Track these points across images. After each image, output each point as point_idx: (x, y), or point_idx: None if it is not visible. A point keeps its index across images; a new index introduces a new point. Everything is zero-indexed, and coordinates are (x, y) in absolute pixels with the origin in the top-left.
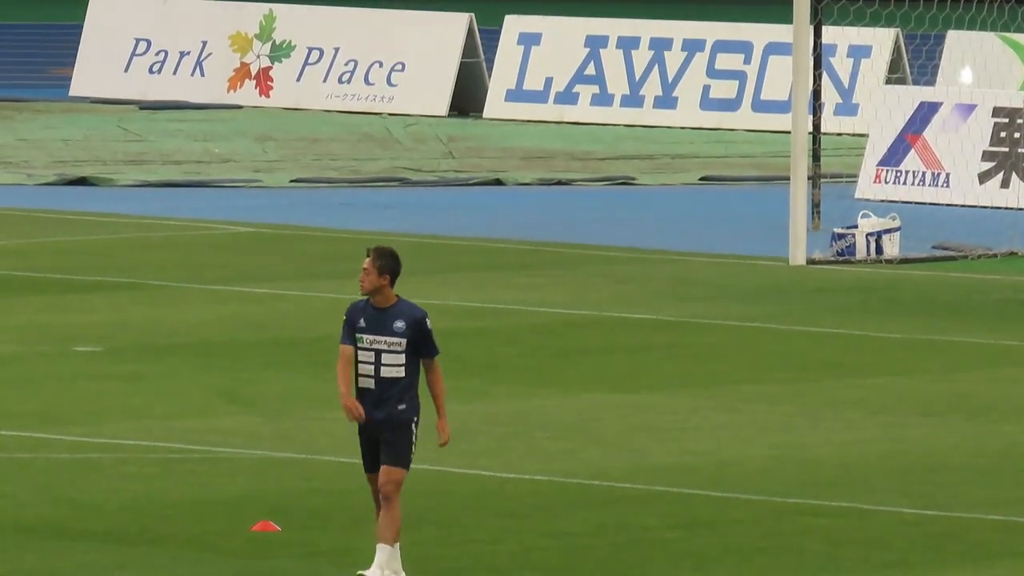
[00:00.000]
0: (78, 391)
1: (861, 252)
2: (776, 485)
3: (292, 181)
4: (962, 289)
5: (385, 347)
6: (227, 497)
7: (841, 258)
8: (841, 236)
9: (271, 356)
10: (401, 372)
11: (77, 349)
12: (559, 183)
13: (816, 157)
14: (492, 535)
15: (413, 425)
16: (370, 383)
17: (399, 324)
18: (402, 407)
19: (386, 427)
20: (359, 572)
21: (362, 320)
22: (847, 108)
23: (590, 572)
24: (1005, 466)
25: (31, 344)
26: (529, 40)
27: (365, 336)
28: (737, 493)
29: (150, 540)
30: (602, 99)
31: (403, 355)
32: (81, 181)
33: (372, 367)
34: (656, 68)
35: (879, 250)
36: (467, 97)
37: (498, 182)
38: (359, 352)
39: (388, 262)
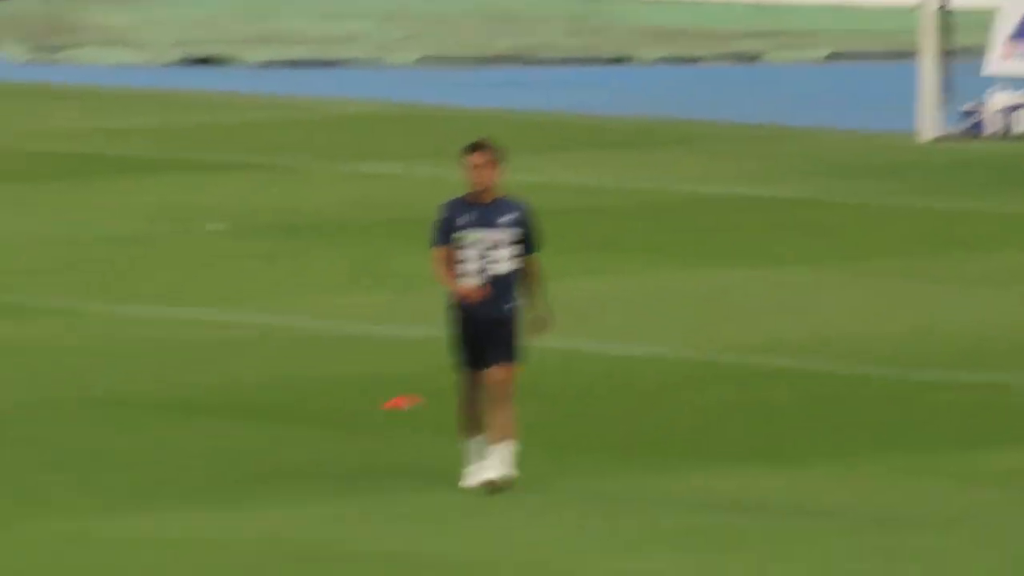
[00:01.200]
0: (210, 270)
1: (989, 128)
2: (911, 360)
3: (418, 60)
4: None
5: (493, 242)
6: (360, 375)
7: (969, 134)
8: (970, 112)
9: (402, 234)
10: (507, 267)
11: (208, 227)
12: (685, 60)
13: (945, 32)
14: (624, 413)
15: (518, 320)
16: (475, 280)
17: (506, 217)
18: (508, 304)
19: (498, 324)
20: (488, 478)
21: (464, 217)
22: None
23: (723, 449)
24: None
25: (162, 223)
26: None
27: (469, 232)
28: (872, 368)
29: (285, 418)
30: None
31: (509, 249)
32: (207, 60)
33: (478, 264)
34: None
35: (1008, 126)
36: None
37: (624, 60)
38: (462, 250)
39: (498, 154)
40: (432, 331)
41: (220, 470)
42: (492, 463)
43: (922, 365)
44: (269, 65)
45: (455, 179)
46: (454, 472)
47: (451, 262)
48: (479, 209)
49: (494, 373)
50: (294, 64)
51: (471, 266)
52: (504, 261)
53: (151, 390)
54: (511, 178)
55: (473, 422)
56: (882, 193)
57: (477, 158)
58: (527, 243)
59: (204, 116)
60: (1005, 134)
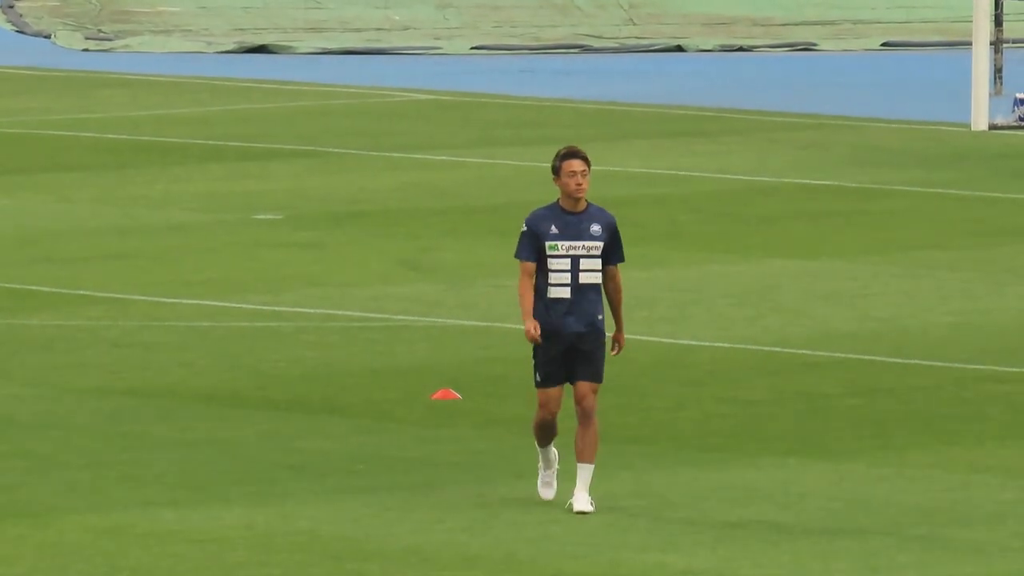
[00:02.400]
0: (258, 259)
1: None
2: (958, 351)
3: (472, 48)
4: None
5: (584, 252)
6: (407, 365)
7: (1023, 123)
8: (1023, 101)
9: (451, 224)
10: (597, 278)
11: (257, 217)
12: (740, 49)
13: (999, 21)
14: (672, 402)
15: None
16: (565, 292)
17: (596, 228)
18: (600, 316)
19: (587, 339)
20: (579, 510)
21: (554, 227)
22: None
23: (770, 439)
24: None
25: (212, 212)
26: None
27: (561, 243)
28: (918, 360)
29: (330, 409)
30: None
31: (599, 259)
32: (261, 49)
33: (569, 275)
34: None
35: None
36: None
37: (679, 48)
38: (551, 260)
39: (589, 162)
40: (480, 322)
41: (263, 463)
42: (582, 497)
43: (971, 357)
44: (323, 53)
45: (508, 169)
46: (495, 466)
47: (542, 273)
48: (571, 218)
49: (583, 389)
50: (347, 52)
51: (561, 277)
52: (594, 272)
53: (196, 381)
54: None
55: (549, 435)
56: (935, 183)
57: (577, 165)
58: (615, 254)
59: (257, 104)
60: None
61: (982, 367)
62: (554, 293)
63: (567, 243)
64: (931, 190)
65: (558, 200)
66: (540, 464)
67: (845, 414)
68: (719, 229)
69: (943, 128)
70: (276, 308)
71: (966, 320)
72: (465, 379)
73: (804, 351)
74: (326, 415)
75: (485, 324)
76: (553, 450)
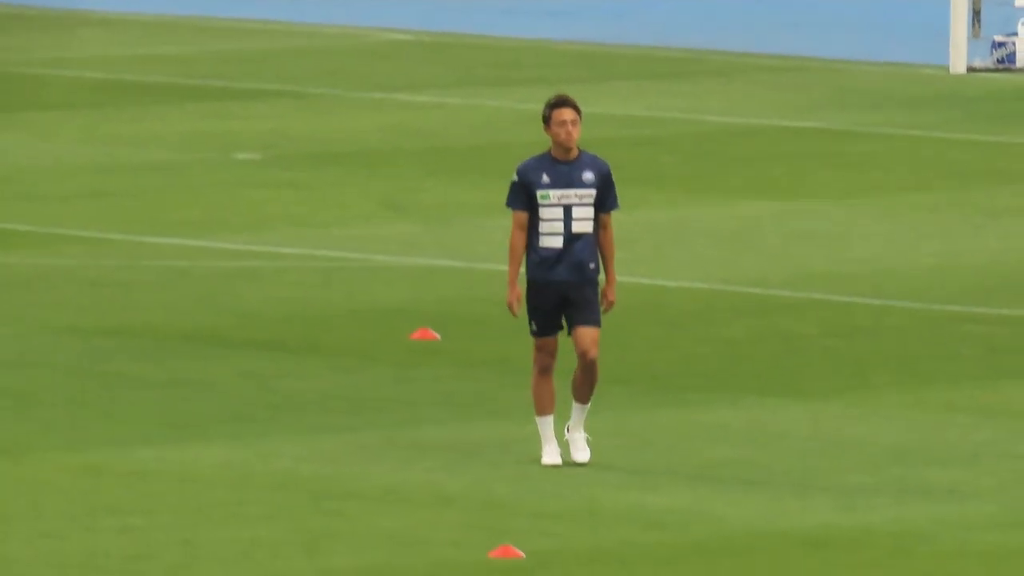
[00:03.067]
0: (238, 199)
1: (1022, 60)
2: (936, 293)
3: None
4: None
5: (576, 200)
6: (386, 305)
7: (1001, 66)
8: (1001, 44)
9: (433, 164)
10: (590, 226)
11: (238, 157)
12: None
13: None
14: (651, 343)
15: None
16: (558, 241)
17: (588, 175)
18: (593, 265)
19: (581, 288)
20: (578, 460)
21: (545, 176)
22: None
23: (749, 380)
24: None
25: (192, 152)
26: None
27: (552, 192)
28: (896, 301)
29: (309, 348)
30: None
31: (592, 208)
32: None
33: (562, 223)
34: None
35: None
36: None
37: None
38: (543, 210)
39: (580, 111)
40: (460, 263)
41: (242, 402)
42: (580, 444)
43: (949, 298)
44: None
45: (489, 110)
46: (474, 406)
47: (533, 223)
48: (563, 167)
49: (585, 333)
50: None
51: (554, 226)
52: (586, 220)
53: (175, 321)
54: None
55: (548, 397)
56: (914, 125)
57: (567, 113)
58: (609, 201)
59: (236, 44)
60: None
61: (960, 308)
62: (546, 243)
63: (559, 192)
64: (910, 132)
65: (549, 149)
66: (542, 440)
67: (823, 355)
68: (699, 170)
69: (922, 70)
70: (256, 248)
71: (944, 261)
72: (444, 319)
73: (783, 292)
74: (305, 355)
75: (465, 264)
76: (551, 431)
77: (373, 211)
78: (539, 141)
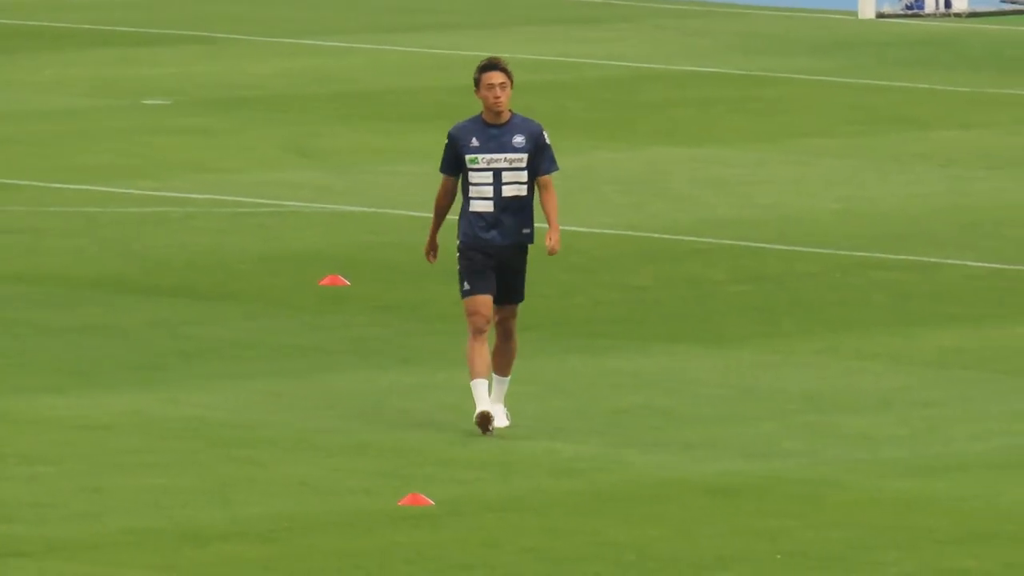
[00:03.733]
0: (147, 145)
1: (930, 6)
2: (844, 239)
3: None
4: None
5: (506, 165)
6: (296, 251)
7: (910, 12)
8: None
9: (340, 109)
10: (523, 190)
11: (146, 102)
12: None
13: None
14: (561, 289)
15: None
16: (488, 206)
17: (519, 139)
18: (526, 231)
19: (514, 253)
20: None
21: (474, 139)
22: None
23: (658, 325)
24: None
25: (101, 97)
26: None
27: (481, 156)
28: (805, 247)
29: (219, 295)
30: None
31: (525, 172)
32: None
33: (491, 188)
34: None
35: (948, 4)
36: None
37: None
38: (472, 174)
39: (511, 73)
40: (368, 208)
41: (151, 350)
42: (499, 414)
43: (857, 244)
44: None
45: (398, 55)
46: (385, 352)
47: (465, 187)
48: (493, 130)
49: (505, 311)
50: None
51: (483, 190)
52: (518, 184)
53: (84, 268)
54: (456, 54)
55: (482, 361)
56: (822, 71)
57: (495, 76)
58: (544, 164)
59: None
60: (945, 12)
61: (868, 254)
62: (477, 207)
63: (488, 156)
64: (818, 78)
65: (481, 112)
66: (475, 403)
67: (732, 301)
68: (607, 116)
69: (830, 16)
70: (164, 194)
71: (852, 207)
72: (354, 265)
73: (691, 237)
74: (215, 301)
75: (374, 210)
76: (486, 394)
77: (282, 157)
78: (447, 87)
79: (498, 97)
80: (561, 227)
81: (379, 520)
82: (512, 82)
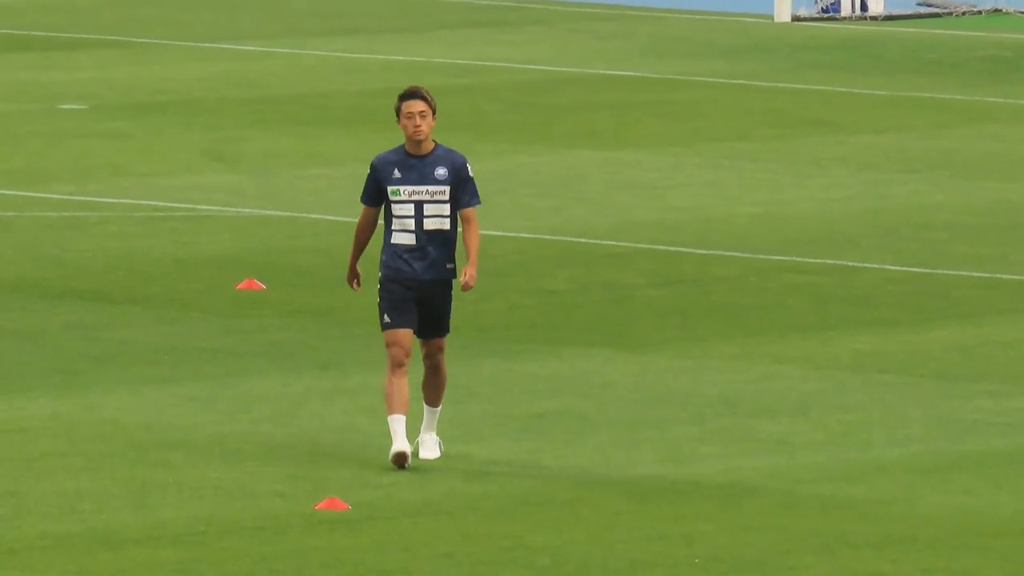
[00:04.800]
0: (62, 149)
1: (846, 9)
2: (761, 242)
3: None
4: (947, 46)
5: (427, 197)
6: (212, 255)
7: (826, 15)
8: None
9: (256, 114)
10: (445, 223)
11: (62, 107)
12: None
13: None
14: (477, 294)
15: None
16: (410, 239)
17: (441, 171)
18: (449, 265)
19: (436, 288)
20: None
21: (396, 171)
22: None
23: (575, 329)
24: (989, 224)
25: (15, 102)
26: None
27: (403, 188)
28: (722, 250)
29: (134, 299)
30: None
31: (447, 205)
32: None
33: (412, 220)
34: None
35: (864, 7)
36: None
37: None
38: (395, 206)
39: (434, 102)
40: (284, 212)
41: (67, 353)
42: (429, 440)
43: (773, 248)
44: None
45: (315, 59)
46: (300, 356)
47: (387, 218)
48: (415, 161)
49: (432, 346)
50: None
51: (405, 223)
52: (440, 217)
53: None
54: (372, 58)
55: (399, 397)
56: (738, 74)
57: (415, 105)
58: (465, 197)
59: None
60: (861, 15)
61: (784, 258)
62: (398, 239)
63: (409, 188)
64: (734, 81)
65: (404, 143)
66: (392, 438)
67: (648, 305)
68: (523, 119)
69: (746, 19)
70: (80, 198)
71: (768, 211)
72: (270, 269)
73: (608, 241)
74: (130, 305)
75: (289, 214)
76: (403, 429)
77: (197, 161)
78: (362, 91)
79: (418, 126)
80: (479, 231)
81: (295, 524)
82: (434, 111)
